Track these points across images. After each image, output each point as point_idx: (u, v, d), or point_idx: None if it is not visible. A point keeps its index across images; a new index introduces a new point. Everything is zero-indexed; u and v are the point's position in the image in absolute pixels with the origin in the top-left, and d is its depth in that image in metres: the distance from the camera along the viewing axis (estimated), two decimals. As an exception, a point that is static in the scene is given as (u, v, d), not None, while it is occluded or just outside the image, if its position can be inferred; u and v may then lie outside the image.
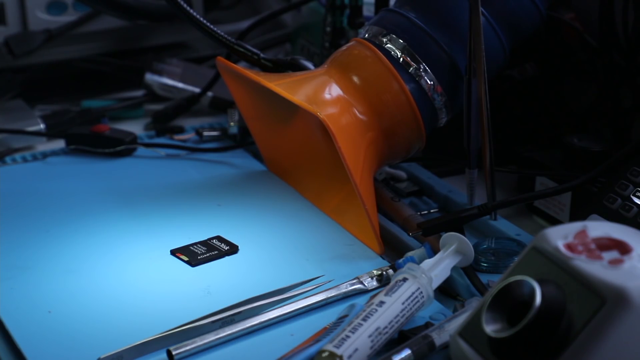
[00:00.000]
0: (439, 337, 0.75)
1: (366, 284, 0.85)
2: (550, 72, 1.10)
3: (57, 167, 1.09)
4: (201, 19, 1.02)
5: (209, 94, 1.24)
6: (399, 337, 0.78)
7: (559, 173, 1.00)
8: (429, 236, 0.90)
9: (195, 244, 0.92)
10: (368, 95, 0.94)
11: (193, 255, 0.90)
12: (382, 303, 0.76)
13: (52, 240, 0.93)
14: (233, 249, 0.91)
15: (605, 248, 0.68)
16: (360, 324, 0.74)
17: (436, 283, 0.82)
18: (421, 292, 0.79)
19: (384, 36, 0.95)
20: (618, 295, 0.64)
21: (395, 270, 0.84)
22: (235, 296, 0.81)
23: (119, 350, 0.75)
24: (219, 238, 0.93)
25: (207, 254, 0.90)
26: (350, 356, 0.72)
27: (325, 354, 0.72)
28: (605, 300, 0.64)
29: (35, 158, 1.12)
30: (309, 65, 1.03)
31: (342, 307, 0.80)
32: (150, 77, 1.26)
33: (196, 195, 1.02)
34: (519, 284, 0.67)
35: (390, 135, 0.94)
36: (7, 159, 1.12)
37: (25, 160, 1.12)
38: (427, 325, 0.79)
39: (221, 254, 0.90)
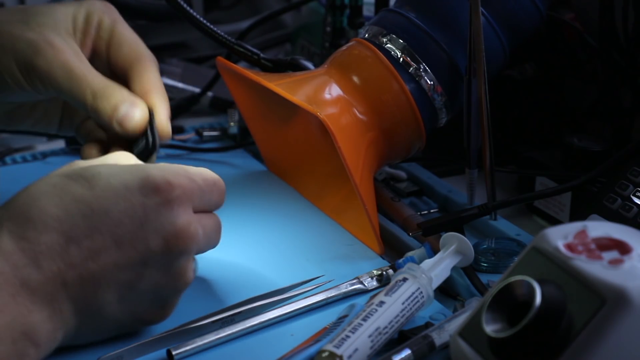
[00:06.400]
0: (439, 337, 0.75)
1: (366, 284, 0.85)
2: (550, 72, 1.10)
3: (57, 167, 1.08)
4: (201, 19, 1.02)
5: (209, 94, 1.24)
6: (399, 337, 0.78)
7: (559, 173, 1.00)
8: (429, 236, 0.90)
9: (195, 244, 0.91)
10: (368, 95, 0.93)
11: (193, 255, 0.90)
12: (382, 303, 0.76)
13: (52, 240, 0.93)
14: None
15: (605, 248, 0.68)
16: (360, 324, 0.74)
17: (436, 283, 0.82)
18: (421, 292, 0.79)
19: (384, 36, 0.95)
20: (618, 295, 0.64)
21: (395, 270, 0.84)
22: (236, 296, 0.81)
23: (119, 350, 0.75)
24: (218, 238, 0.92)
25: (207, 254, 0.90)
26: (350, 356, 0.72)
27: (325, 354, 0.72)
28: (605, 300, 0.64)
29: (35, 158, 1.12)
30: (309, 65, 1.03)
31: (342, 307, 0.80)
32: (150, 77, 1.26)
33: (196, 195, 1.02)
34: (519, 284, 0.67)
35: (390, 135, 0.94)
36: (7, 159, 1.12)
37: (25, 160, 1.12)
38: (427, 325, 0.79)
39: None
